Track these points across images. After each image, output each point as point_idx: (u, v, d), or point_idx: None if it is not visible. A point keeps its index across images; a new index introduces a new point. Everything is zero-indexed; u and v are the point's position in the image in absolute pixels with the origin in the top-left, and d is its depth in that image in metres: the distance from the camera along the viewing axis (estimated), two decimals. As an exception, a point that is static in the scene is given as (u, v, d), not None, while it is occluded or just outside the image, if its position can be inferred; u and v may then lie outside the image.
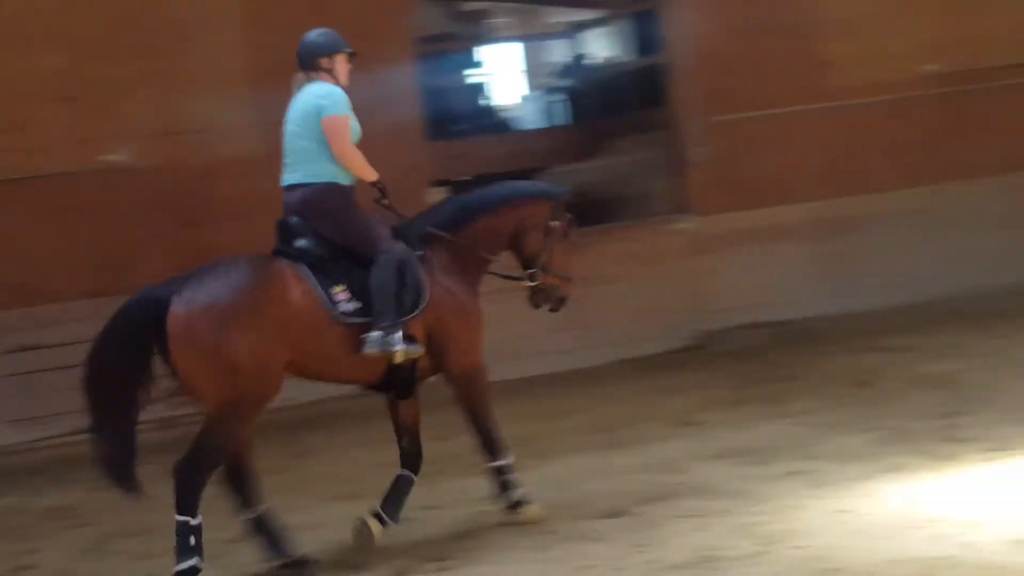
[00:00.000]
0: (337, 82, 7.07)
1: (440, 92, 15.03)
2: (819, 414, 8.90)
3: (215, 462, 6.51)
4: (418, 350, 6.88)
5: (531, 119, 18.11)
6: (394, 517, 6.96)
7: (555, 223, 7.44)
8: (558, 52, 18.63)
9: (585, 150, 14.61)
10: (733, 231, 12.60)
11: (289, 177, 7.00)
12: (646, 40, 14.81)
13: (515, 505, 7.17)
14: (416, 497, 7.10)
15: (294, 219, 6.90)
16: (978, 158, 13.03)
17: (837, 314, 12.40)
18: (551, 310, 7.59)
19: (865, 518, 6.50)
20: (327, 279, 6.75)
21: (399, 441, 7.15)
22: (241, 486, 6.67)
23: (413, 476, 7.10)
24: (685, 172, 12.74)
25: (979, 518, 6.23)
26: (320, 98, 6.94)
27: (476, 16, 17.71)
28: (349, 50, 7.16)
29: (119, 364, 6.47)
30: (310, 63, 7.07)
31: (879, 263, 12.82)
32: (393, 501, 7.00)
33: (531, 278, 7.43)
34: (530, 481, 7.43)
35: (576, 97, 16.88)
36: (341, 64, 7.12)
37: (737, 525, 6.59)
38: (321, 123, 6.89)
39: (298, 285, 6.66)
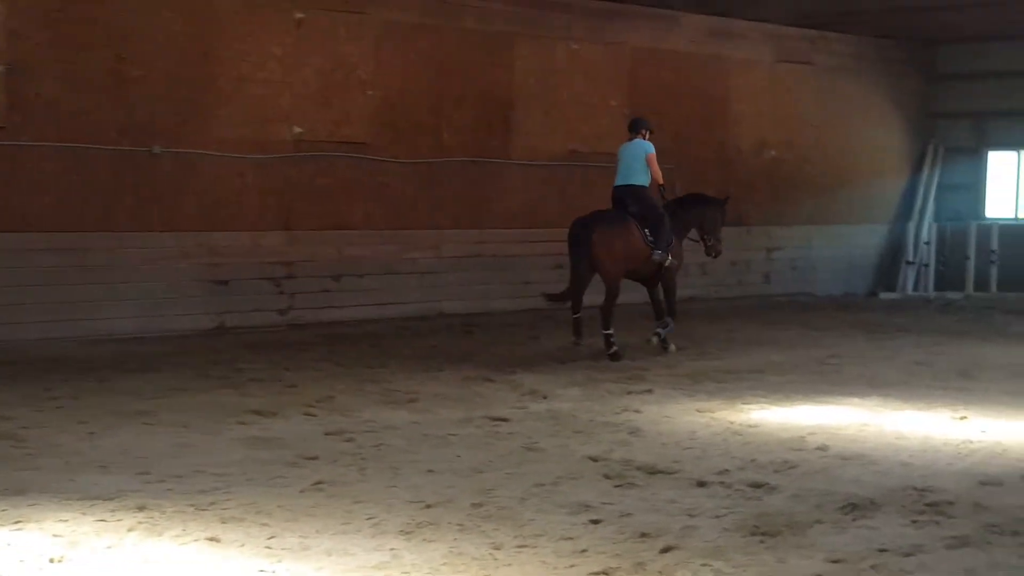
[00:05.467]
0: (647, 140, 14.86)
1: None
2: None
3: (613, 302, 14.37)
4: (674, 261, 14.80)
5: None
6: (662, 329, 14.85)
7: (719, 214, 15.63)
8: None
9: None
10: None
11: (621, 180, 14.75)
12: None
13: (665, 341, 14.77)
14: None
15: (623, 199, 14.70)
16: None
17: None
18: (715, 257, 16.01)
19: None
20: (641, 225, 14.49)
21: (653, 303, 15.06)
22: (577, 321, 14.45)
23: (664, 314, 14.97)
24: None
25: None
26: (645, 146, 14.73)
27: None
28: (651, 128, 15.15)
29: (578, 254, 14.28)
30: (636, 129, 14.97)
31: None
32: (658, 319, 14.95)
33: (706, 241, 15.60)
34: None
35: None
36: (647, 133, 14.98)
37: None
38: (646, 157, 14.64)
39: (636, 227, 14.44)
